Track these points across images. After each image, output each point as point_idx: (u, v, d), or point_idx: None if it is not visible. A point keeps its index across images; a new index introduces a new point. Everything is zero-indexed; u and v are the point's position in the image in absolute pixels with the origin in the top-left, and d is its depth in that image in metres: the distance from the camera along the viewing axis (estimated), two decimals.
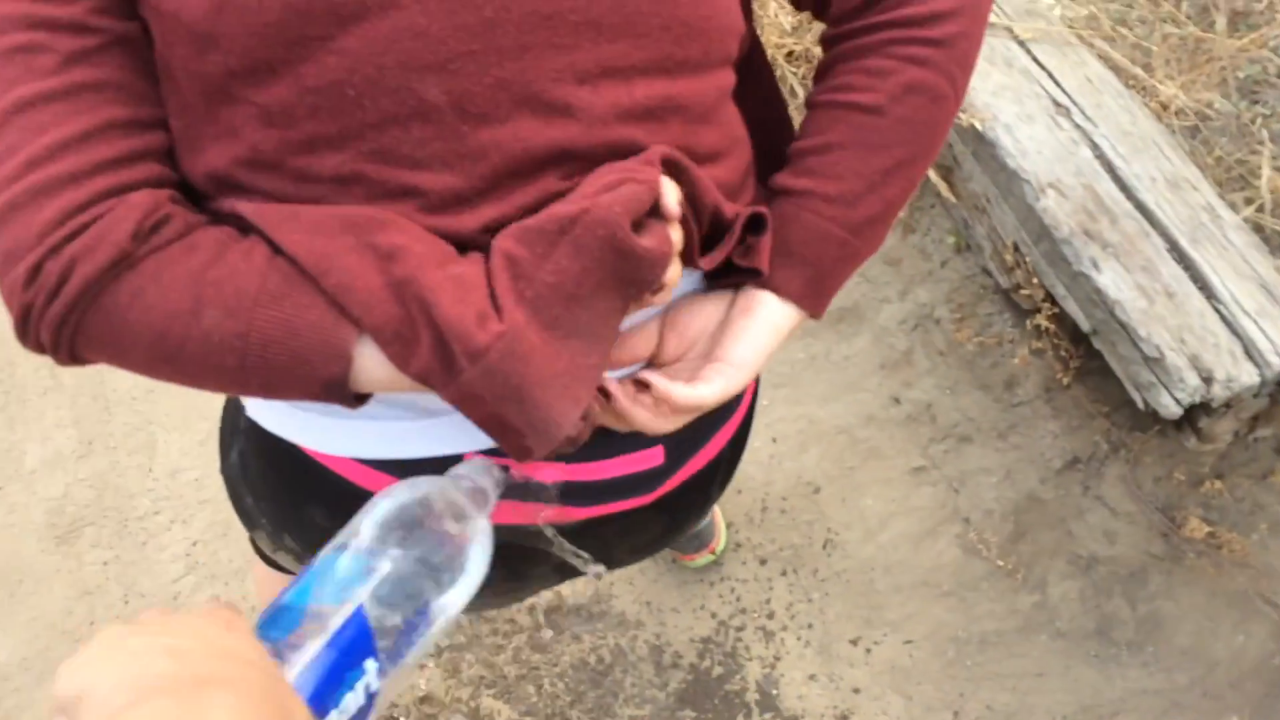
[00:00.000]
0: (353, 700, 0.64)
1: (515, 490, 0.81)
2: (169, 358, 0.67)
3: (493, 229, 0.70)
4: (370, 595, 0.69)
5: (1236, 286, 1.49)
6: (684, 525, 1.02)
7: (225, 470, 1.02)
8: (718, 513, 1.93)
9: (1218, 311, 1.48)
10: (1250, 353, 1.44)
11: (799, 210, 0.80)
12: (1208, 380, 1.42)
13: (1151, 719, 1.68)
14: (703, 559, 1.92)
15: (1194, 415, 1.53)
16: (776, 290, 0.80)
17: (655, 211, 0.71)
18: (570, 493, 0.84)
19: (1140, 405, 1.49)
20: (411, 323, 0.66)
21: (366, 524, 0.73)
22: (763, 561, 1.95)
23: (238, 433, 0.96)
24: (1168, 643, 1.70)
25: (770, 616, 1.91)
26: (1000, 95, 1.74)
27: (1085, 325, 1.54)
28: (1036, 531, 1.76)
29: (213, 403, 2.09)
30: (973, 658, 1.77)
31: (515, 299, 0.67)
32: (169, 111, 0.69)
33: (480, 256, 0.69)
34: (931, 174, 1.84)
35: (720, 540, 1.92)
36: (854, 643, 1.85)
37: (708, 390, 0.77)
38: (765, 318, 0.80)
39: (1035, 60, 1.82)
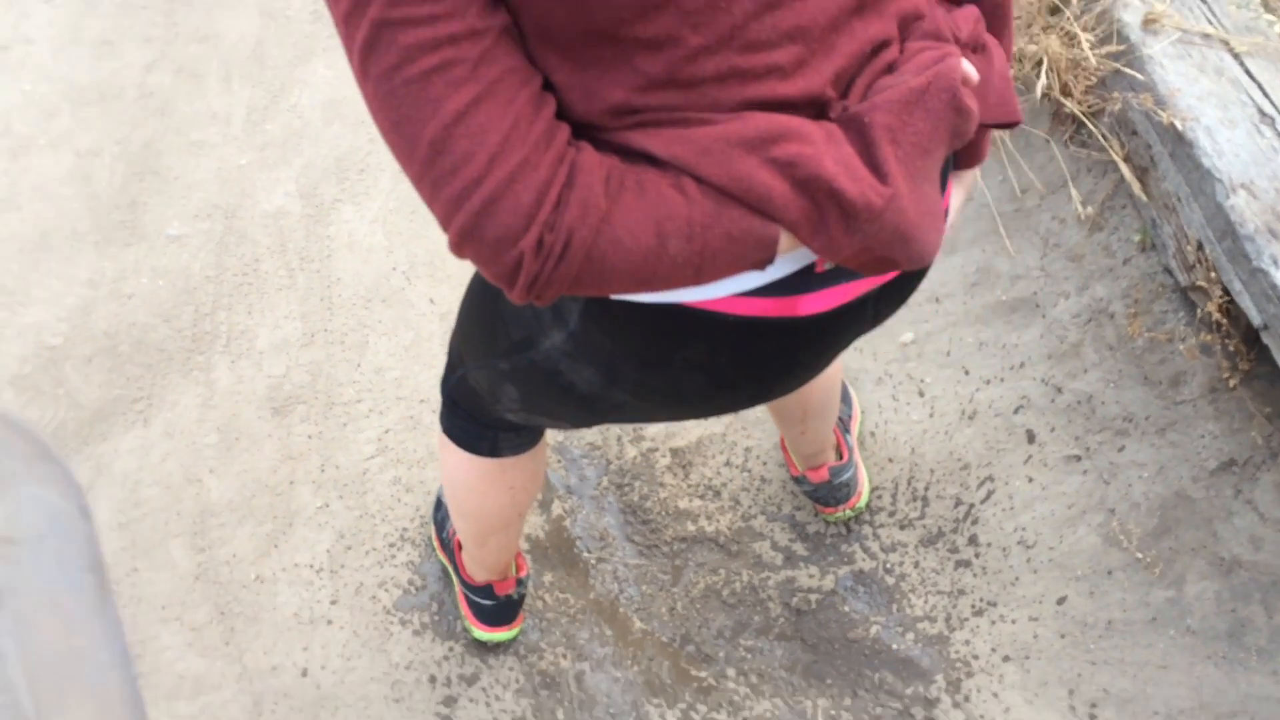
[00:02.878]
0: None
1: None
2: (643, 282, 0.87)
3: (836, 83, 0.89)
4: None
5: None
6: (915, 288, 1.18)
7: (529, 360, 1.15)
8: (861, 470, 2.00)
9: None
10: None
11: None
12: None
13: None
14: (843, 513, 2.00)
15: None
16: None
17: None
18: None
19: None
20: (820, 209, 0.86)
21: None
22: (902, 527, 2.02)
23: (555, 324, 1.08)
24: None
25: (902, 579, 1.97)
26: (1205, 100, 1.77)
27: (1257, 320, 1.55)
28: (1181, 529, 1.76)
29: (425, 317, 2.32)
30: (1096, 642, 1.78)
31: (895, 160, 0.87)
32: (548, 70, 0.84)
33: (839, 131, 0.87)
34: (1126, 172, 1.87)
35: (862, 497, 2.00)
36: (980, 613, 1.89)
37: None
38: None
39: (1247, 71, 1.84)
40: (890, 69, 0.91)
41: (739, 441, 2.17)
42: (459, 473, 1.55)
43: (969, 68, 0.94)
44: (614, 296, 0.98)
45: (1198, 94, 1.78)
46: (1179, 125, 1.72)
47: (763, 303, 0.97)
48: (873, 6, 0.90)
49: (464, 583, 1.84)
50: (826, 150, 0.85)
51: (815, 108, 0.88)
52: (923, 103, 0.88)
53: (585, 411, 1.20)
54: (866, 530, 2.03)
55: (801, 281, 0.97)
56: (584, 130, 0.86)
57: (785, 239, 0.89)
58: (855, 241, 0.87)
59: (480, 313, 1.23)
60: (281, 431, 2.15)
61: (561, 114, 0.85)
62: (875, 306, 1.08)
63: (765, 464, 2.14)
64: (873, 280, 1.03)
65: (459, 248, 0.83)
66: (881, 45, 0.91)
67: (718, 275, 0.89)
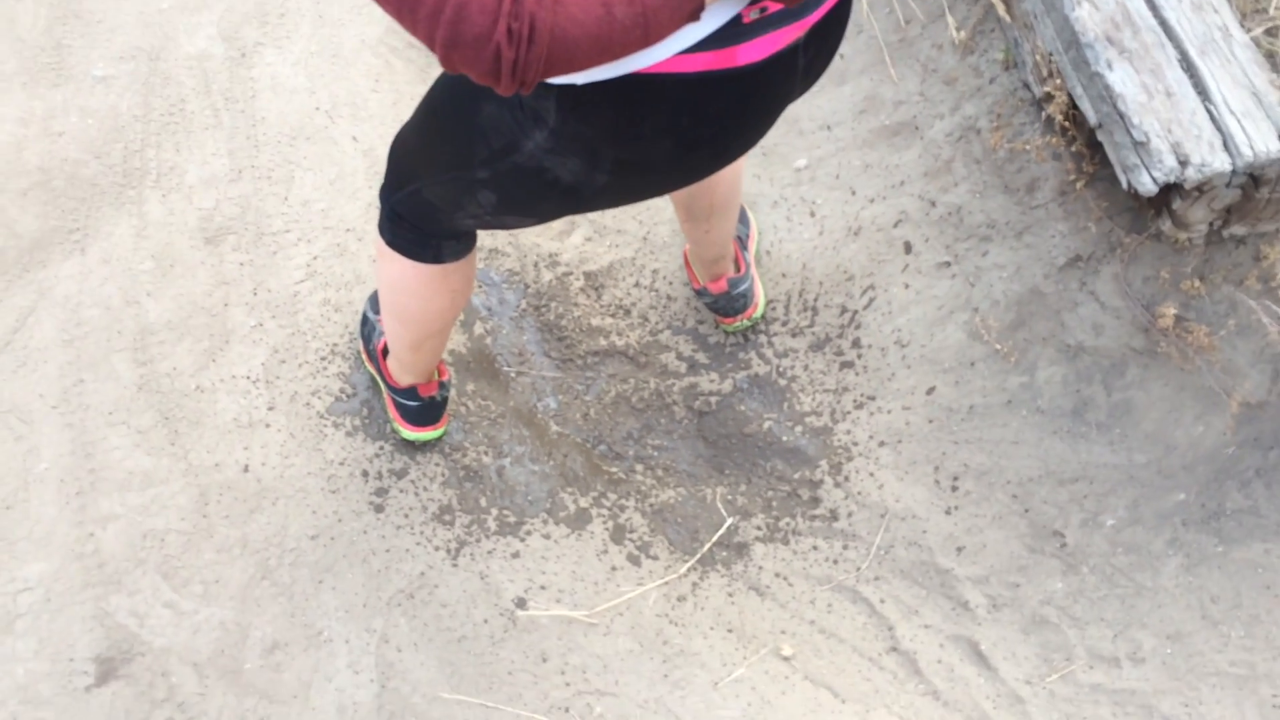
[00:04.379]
0: None
1: (784, 17, 1.15)
2: (604, 50, 1.02)
3: None
4: None
5: (1230, 92, 1.66)
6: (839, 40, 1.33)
7: (511, 164, 1.29)
8: (758, 281, 2.18)
9: (1208, 111, 1.65)
10: (1228, 146, 1.61)
11: None
12: (1184, 163, 1.61)
13: (1106, 487, 1.90)
14: (740, 323, 2.18)
15: (1170, 199, 1.71)
16: None
17: None
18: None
19: (1124, 186, 1.68)
20: None
21: None
22: (794, 335, 2.21)
23: (535, 126, 1.23)
24: (1135, 427, 1.90)
25: (792, 380, 2.17)
26: None
27: (1093, 119, 1.73)
28: (1034, 321, 1.97)
29: (348, 154, 2.43)
30: (959, 425, 2.00)
31: None
32: None
33: None
34: None
35: (758, 308, 2.18)
36: (860, 406, 2.10)
37: None
38: None
39: None
40: None
41: (647, 264, 2.34)
42: (402, 280, 1.68)
43: None
44: (581, 82, 1.14)
45: None
46: None
47: (704, 57, 1.13)
48: None
49: (390, 387, 2.00)
50: None
51: None
52: None
53: (569, 201, 1.36)
54: (762, 339, 2.22)
55: (733, 32, 1.13)
56: None
57: None
58: None
59: (451, 129, 1.37)
60: (214, 259, 2.27)
61: None
62: (805, 56, 1.24)
63: (671, 284, 2.31)
64: (798, 28, 1.18)
65: (448, 58, 0.99)
66: None
67: (662, 31, 1.04)
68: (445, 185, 1.43)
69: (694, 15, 1.04)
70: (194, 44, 2.59)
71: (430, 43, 0.99)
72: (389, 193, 1.59)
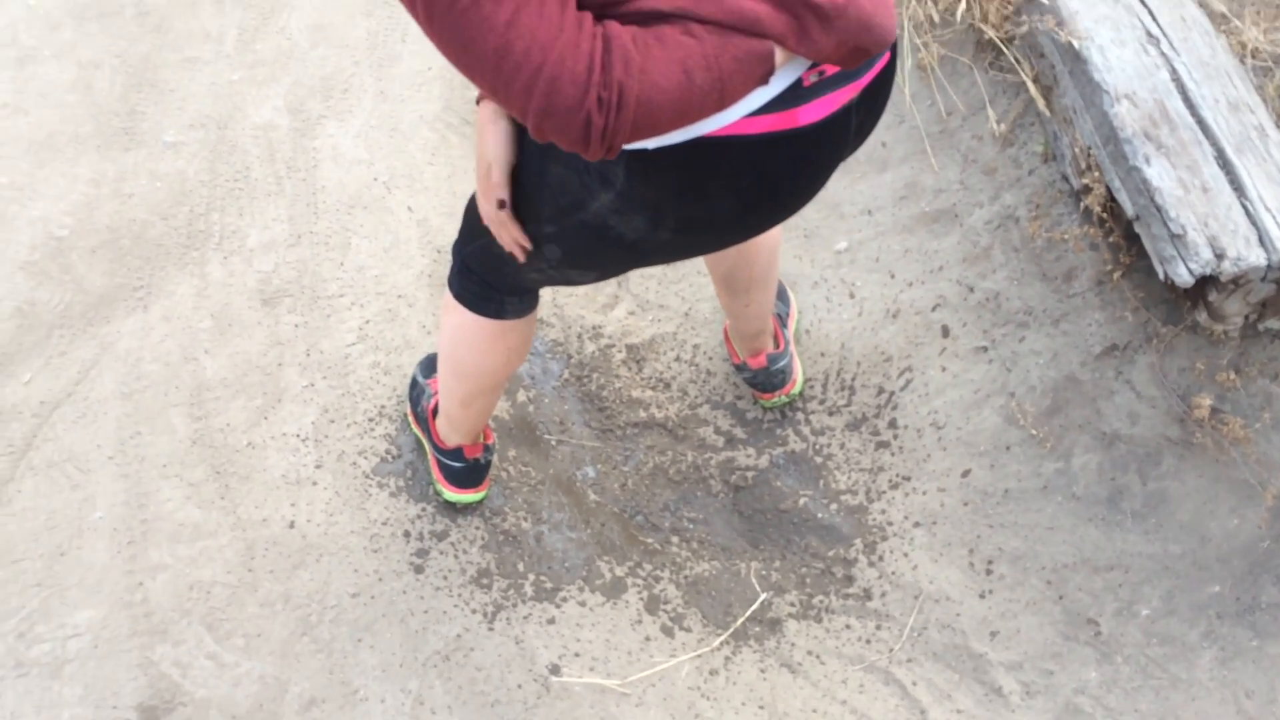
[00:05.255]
0: None
1: (840, 79, 1.23)
2: (682, 114, 1.11)
3: None
4: None
5: (1266, 189, 1.70)
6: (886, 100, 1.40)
7: (578, 221, 1.35)
8: (797, 359, 2.22)
9: (1244, 207, 1.69)
10: (1263, 241, 1.65)
11: None
12: (1220, 256, 1.64)
13: (1141, 577, 1.90)
14: (778, 399, 2.22)
15: (1206, 291, 1.74)
16: None
17: None
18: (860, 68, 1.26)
19: (1161, 276, 1.72)
20: (799, 19, 1.11)
21: None
22: (831, 413, 2.24)
23: (602, 188, 1.29)
24: (1170, 517, 1.91)
25: (829, 458, 2.20)
26: (1101, 23, 1.98)
27: (1130, 211, 1.77)
28: (1070, 408, 2.00)
29: (404, 223, 2.52)
30: (994, 508, 2.02)
31: None
32: None
33: None
34: (1033, 91, 2.09)
35: (796, 385, 2.22)
36: (895, 487, 2.12)
37: None
38: None
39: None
40: None
41: (688, 339, 2.39)
42: (463, 332, 1.74)
43: None
44: (652, 147, 1.21)
45: (1095, 17, 2.00)
46: (1076, 44, 1.93)
47: (769, 119, 1.20)
48: None
49: (436, 447, 2.05)
50: None
51: None
52: None
53: (630, 257, 1.43)
54: (799, 416, 2.25)
55: (795, 95, 1.20)
56: (603, 12, 1.09)
57: (779, 54, 1.13)
58: (831, 38, 1.12)
59: (521, 187, 1.43)
60: (270, 320, 2.34)
61: (581, 5, 1.08)
62: (857, 116, 1.31)
63: (711, 359, 2.36)
64: (852, 89, 1.25)
65: (539, 128, 1.06)
66: None
67: (736, 95, 1.12)
68: None
69: (764, 79, 1.12)
70: (261, 115, 2.71)
71: (523, 114, 1.05)
72: (461, 246, 1.66)
